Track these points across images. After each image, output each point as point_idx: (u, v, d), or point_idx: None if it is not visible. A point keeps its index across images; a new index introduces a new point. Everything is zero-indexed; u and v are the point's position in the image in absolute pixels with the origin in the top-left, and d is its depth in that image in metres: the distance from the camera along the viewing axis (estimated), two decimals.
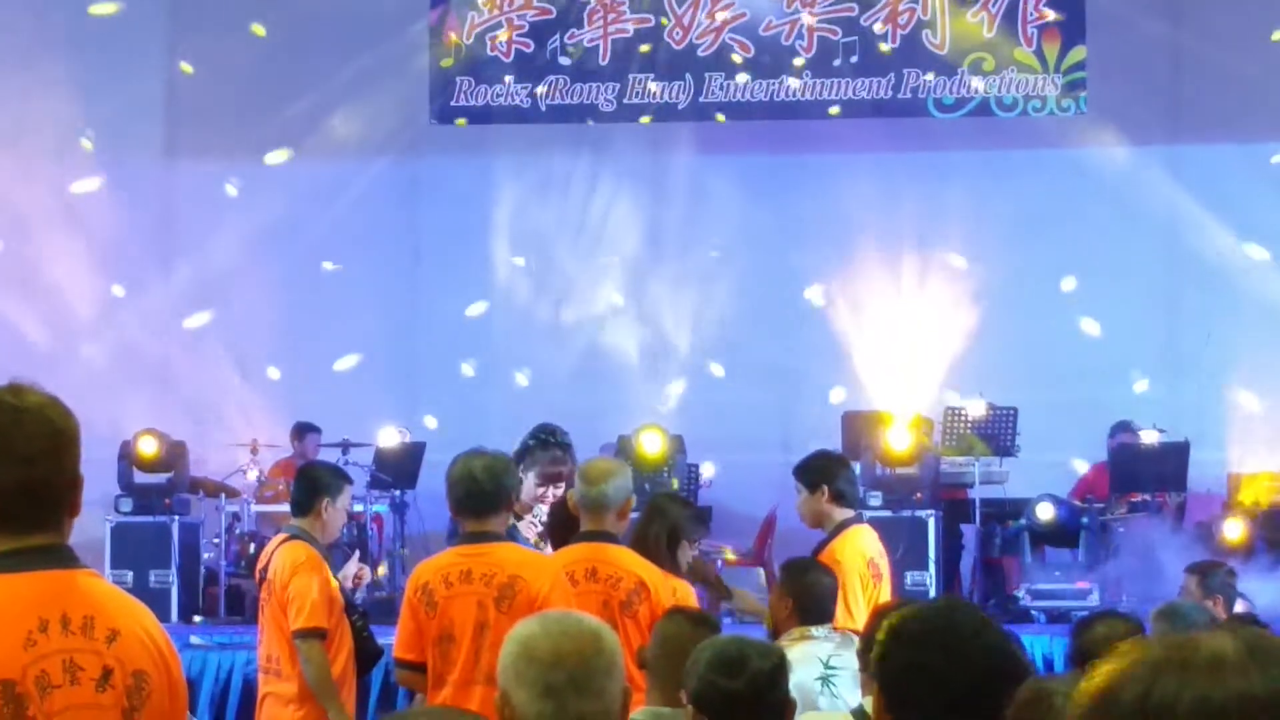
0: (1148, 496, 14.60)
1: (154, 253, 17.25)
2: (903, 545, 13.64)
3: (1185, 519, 14.49)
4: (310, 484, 8.48)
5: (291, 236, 17.06)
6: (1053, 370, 16.27)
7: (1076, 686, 3.07)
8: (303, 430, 15.65)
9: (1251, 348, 16.20)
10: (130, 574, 13.93)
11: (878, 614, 5.60)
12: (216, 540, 14.79)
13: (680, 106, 16.61)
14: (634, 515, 7.90)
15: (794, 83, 16.45)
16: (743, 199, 16.92)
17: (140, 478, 14.85)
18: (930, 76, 16.31)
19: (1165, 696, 1.76)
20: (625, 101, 16.66)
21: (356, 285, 17.20)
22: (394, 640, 7.17)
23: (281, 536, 8.47)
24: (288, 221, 16.97)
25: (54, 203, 16.88)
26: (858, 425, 15.20)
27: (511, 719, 3.77)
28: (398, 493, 15.17)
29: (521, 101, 16.73)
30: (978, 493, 14.86)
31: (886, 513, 13.86)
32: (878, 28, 16.38)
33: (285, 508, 9.24)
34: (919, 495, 14.10)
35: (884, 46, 16.29)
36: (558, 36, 16.69)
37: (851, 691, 6.79)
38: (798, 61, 16.38)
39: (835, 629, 7.37)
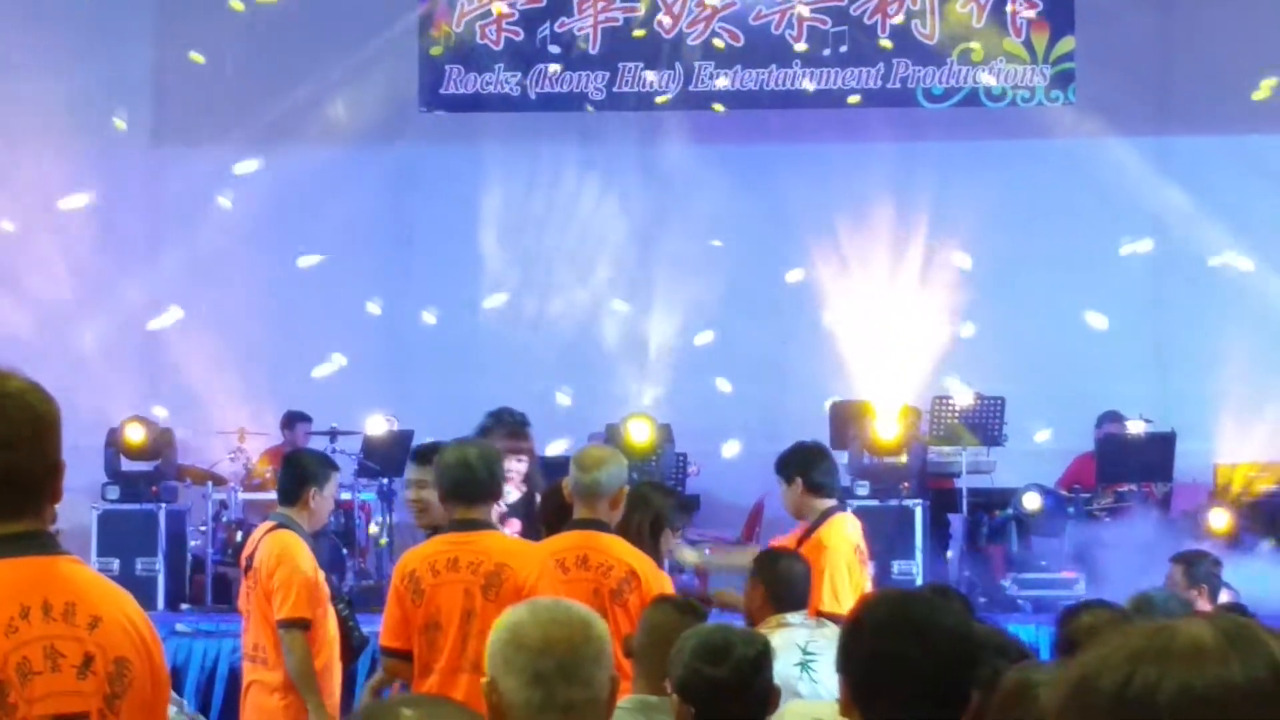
0: (1134, 486, 14.64)
1: (142, 240, 17.23)
2: (890, 535, 13.69)
3: (1171, 509, 14.53)
4: (297, 472, 8.48)
5: (280, 224, 17.04)
6: (1040, 361, 16.28)
7: (1058, 675, 3.09)
8: (293, 418, 15.65)
9: (1237, 338, 16.22)
10: (117, 561, 13.93)
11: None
12: (203, 528, 14.79)
13: (671, 96, 16.60)
14: None
15: (789, 77, 16.44)
16: (731, 188, 16.92)
17: (127, 465, 14.83)
18: (919, 68, 16.31)
19: (1145, 685, 1.76)
20: (615, 90, 16.65)
21: (345, 274, 17.18)
22: (380, 628, 7.18)
23: (268, 525, 8.46)
24: (276, 210, 16.94)
25: (40, 191, 16.85)
26: (845, 415, 15.21)
27: (499, 706, 3.77)
28: (385, 481, 15.15)
29: (511, 90, 16.72)
30: (965, 482, 14.88)
31: (874, 502, 13.88)
32: (868, 18, 16.39)
33: (273, 495, 9.22)
34: (906, 485, 14.11)
35: (884, 42, 16.28)
36: (548, 25, 16.68)
37: (830, 675, 6.79)
38: (800, 48, 16.36)
39: (811, 615, 7.39)
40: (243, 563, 8.56)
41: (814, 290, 16.88)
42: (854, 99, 16.44)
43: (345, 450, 15.09)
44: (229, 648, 12.03)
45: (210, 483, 15.04)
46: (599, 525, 7.24)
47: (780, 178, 16.84)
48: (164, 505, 14.51)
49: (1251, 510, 14.31)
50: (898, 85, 16.39)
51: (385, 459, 15.19)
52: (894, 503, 13.91)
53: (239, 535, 13.87)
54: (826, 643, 6.94)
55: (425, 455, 7.72)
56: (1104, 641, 1.82)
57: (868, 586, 8.53)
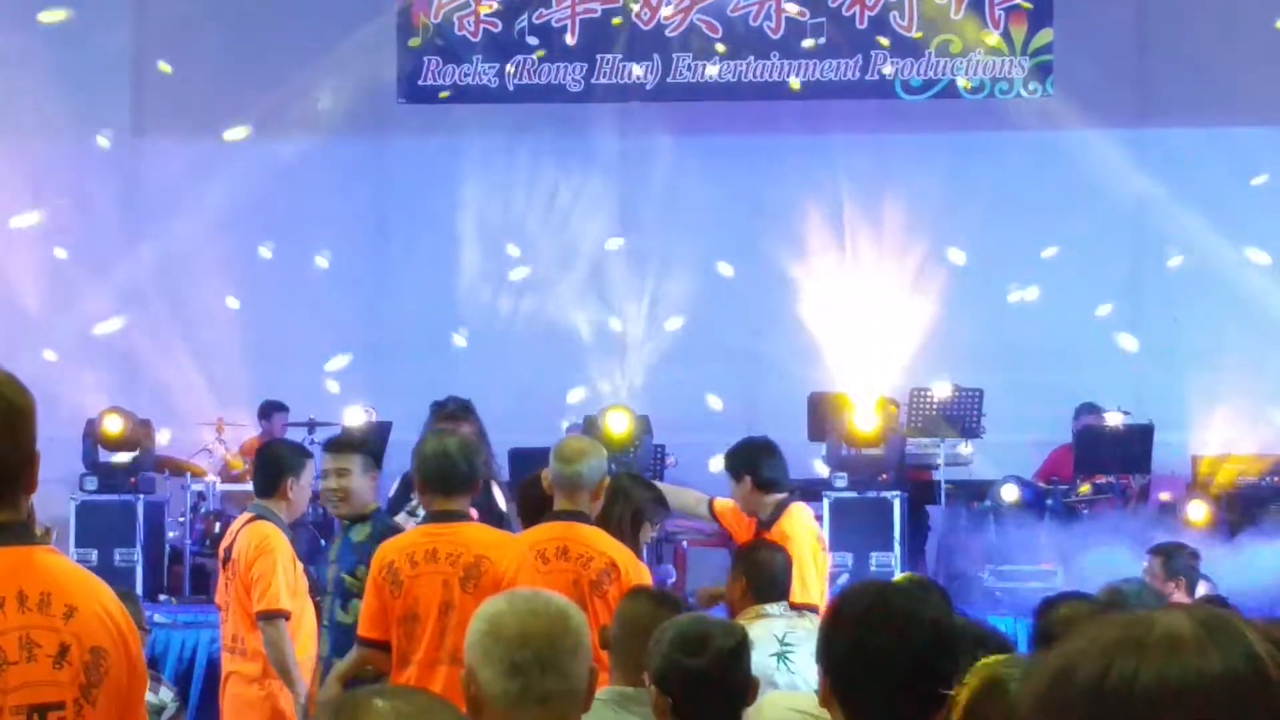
0: (1112, 478, 14.66)
1: (119, 230, 17.19)
2: (868, 526, 13.71)
3: (1149, 500, 14.56)
4: (273, 464, 8.49)
5: (258, 215, 17.02)
6: (1018, 352, 16.30)
7: (1030, 669, 3.09)
8: (269, 409, 15.62)
9: (1216, 330, 16.26)
10: (95, 552, 13.89)
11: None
12: (182, 519, 14.77)
13: (648, 87, 16.59)
14: None
15: (766, 69, 16.44)
16: (710, 180, 16.92)
17: (105, 456, 14.79)
18: (897, 59, 16.31)
19: (1122, 676, 1.76)
20: (594, 81, 16.64)
21: (324, 264, 17.16)
22: (358, 619, 7.17)
23: (246, 516, 8.45)
24: (254, 200, 16.92)
25: (17, 178, 16.82)
26: (823, 406, 15.21)
27: (477, 697, 3.77)
28: None
29: (489, 81, 16.70)
30: (943, 474, 14.89)
31: (852, 494, 13.89)
32: (846, 9, 16.40)
33: (251, 487, 9.24)
34: (884, 476, 14.11)
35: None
36: (526, 16, 16.66)
37: (808, 666, 6.81)
38: (778, 39, 16.37)
39: (791, 605, 7.41)
40: (221, 554, 8.55)
41: (792, 282, 16.88)
42: (832, 91, 16.44)
43: (323, 441, 15.05)
44: (207, 638, 12.02)
45: (188, 474, 15.02)
46: (579, 516, 7.23)
47: (759, 169, 16.85)
48: (142, 496, 14.48)
49: (1230, 502, 14.33)
50: (876, 77, 16.39)
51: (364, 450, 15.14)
52: (872, 494, 13.91)
53: (217, 526, 13.86)
54: (805, 634, 6.96)
55: (344, 444, 7.98)
56: (1081, 633, 1.82)
57: (829, 572, 8.59)
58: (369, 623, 7.03)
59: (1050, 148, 16.48)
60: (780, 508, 8.69)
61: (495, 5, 16.66)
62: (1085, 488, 14.69)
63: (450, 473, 7.04)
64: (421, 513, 8.33)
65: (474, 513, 8.19)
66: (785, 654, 7.01)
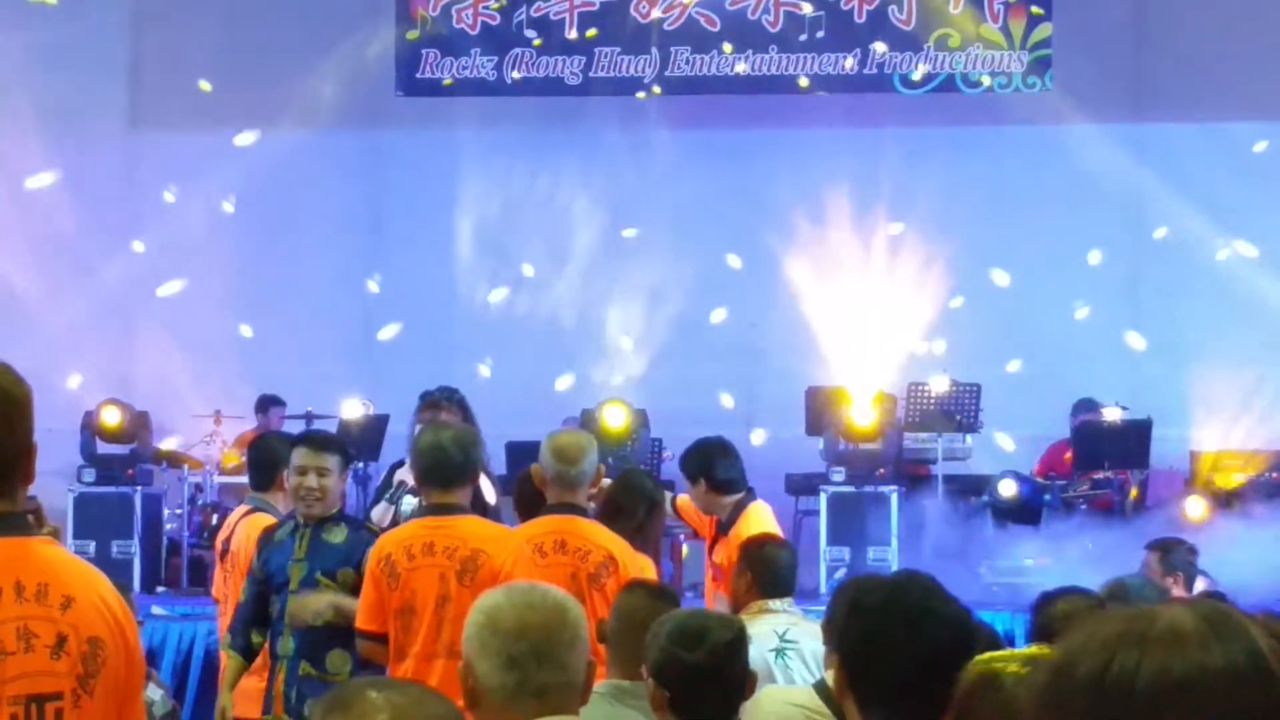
0: (1110, 474, 14.66)
1: (118, 223, 17.18)
2: (865, 521, 13.71)
3: (1147, 496, 14.55)
4: (266, 457, 8.52)
5: (255, 208, 17.01)
6: (1016, 347, 16.31)
7: (1025, 663, 3.09)
8: (266, 403, 15.62)
9: (1214, 325, 16.25)
10: (92, 544, 13.90)
11: (842, 588, 5.62)
12: (179, 511, 14.78)
13: (647, 80, 16.58)
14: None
15: (765, 62, 16.43)
16: (709, 172, 16.91)
17: (103, 448, 14.81)
18: (896, 53, 16.30)
19: (1124, 670, 1.76)
20: (592, 74, 16.62)
21: (321, 258, 17.16)
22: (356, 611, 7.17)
23: (244, 509, 8.46)
24: (251, 193, 16.91)
25: (10, 171, 16.80)
26: (821, 400, 15.22)
27: (474, 689, 3.77)
28: (360, 465, 15.13)
29: (488, 74, 16.69)
30: (940, 469, 14.90)
31: (849, 488, 13.89)
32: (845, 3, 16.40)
33: (247, 479, 9.24)
34: (882, 471, 14.13)
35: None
36: (524, 9, 16.65)
37: (804, 666, 6.82)
38: (776, 32, 16.36)
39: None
40: (219, 547, 8.54)
41: (790, 275, 16.87)
42: (831, 84, 16.44)
43: (299, 435, 15.05)
44: (205, 630, 12.02)
45: (186, 466, 15.02)
46: (576, 510, 7.26)
47: (757, 162, 16.84)
48: (140, 488, 14.49)
49: (1228, 498, 14.33)
50: (874, 71, 16.38)
51: (360, 443, 15.16)
52: (869, 489, 13.92)
53: (214, 518, 13.86)
54: (805, 633, 6.96)
55: (327, 442, 7.77)
56: (1083, 628, 1.82)
57: None
58: (367, 615, 7.03)
59: (1048, 142, 16.48)
60: (739, 508, 8.68)
61: None
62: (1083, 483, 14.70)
63: (445, 465, 7.02)
64: (409, 502, 8.34)
65: None
66: (784, 650, 7.01)
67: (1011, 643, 11.68)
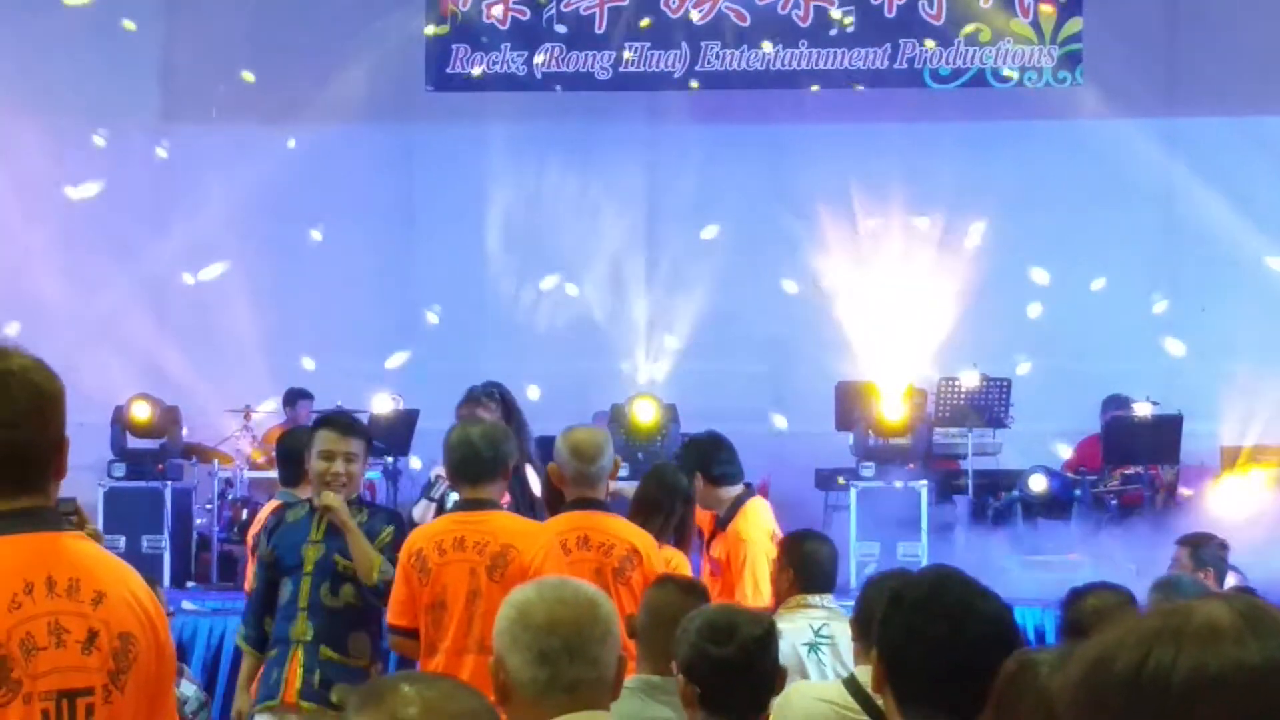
0: (1141, 469, 14.62)
1: (148, 218, 17.21)
2: (895, 516, 13.69)
3: (1177, 491, 14.52)
4: (295, 452, 8.50)
5: (286, 203, 17.04)
6: (1046, 342, 16.28)
7: (1062, 658, 3.08)
8: (295, 396, 15.64)
9: (1245, 320, 16.20)
10: (123, 539, 13.93)
11: (872, 583, 5.61)
12: (209, 506, 14.81)
13: (676, 75, 16.57)
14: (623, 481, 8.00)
15: (795, 57, 16.41)
16: (737, 168, 16.90)
17: (133, 443, 14.85)
18: (929, 44, 16.27)
19: (1160, 666, 1.75)
20: (621, 70, 16.62)
21: (350, 252, 17.18)
22: (387, 606, 7.18)
23: (274, 503, 8.47)
24: (282, 188, 16.94)
25: (47, 168, 16.84)
26: (851, 395, 15.21)
27: (506, 684, 3.77)
28: (390, 460, 15.16)
29: (517, 69, 16.70)
30: (970, 464, 14.88)
31: (879, 483, 13.89)
32: None
33: (277, 474, 9.24)
34: (912, 466, 14.12)
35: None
36: (554, 4, 16.65)
37: (837, 661, 6.83)
38: (806, 27, 16.35)
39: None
40: (250, 542, 8.55)
41: (820, 270, 16.85)
42: (861, 79, 16.43)
43: (320, 417, 15.08)
44: (235, 625, 12.03)
45: (216, 460, 15.05)
46: (597, 505, 7.26)
47: (786, 158, 16.82)
48: (170, 483, 14.53)
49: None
50: (905, 66, 16.35)
51: (390, 438, 15.19)
52: (899, 484, 13.91)
53: (244, 513, 13.89)
54: (842, 629, 6.96)
55: (353, 427, 7.65)
56: (1120, 622, 1.81)
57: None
58: (398, 610, 7.04)
59: (1079, 137, 16.44)
60: (737, 505, 8.66)
61: None
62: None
63: (474, 461, 7.03)
64: (454, 498, 8.32)
65: (506, 496, 8.21)
66: (818, 645, 7.01)
67: (1042, 638, 11.68)
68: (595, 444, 7.31)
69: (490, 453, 7.04)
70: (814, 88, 16.48)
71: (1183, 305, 16.66)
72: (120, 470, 14.56)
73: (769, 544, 8.41)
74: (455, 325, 17.06)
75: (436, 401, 14.76)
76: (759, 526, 8.53)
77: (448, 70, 16.77)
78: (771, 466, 13.76)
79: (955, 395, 15.08)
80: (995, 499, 14.72)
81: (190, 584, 14.21)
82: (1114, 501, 14.43)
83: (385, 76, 16.86)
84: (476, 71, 16.68)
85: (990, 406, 14.99)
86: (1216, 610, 1.78)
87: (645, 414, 14.47)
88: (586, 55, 16.63)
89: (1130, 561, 12.08)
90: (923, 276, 16.71)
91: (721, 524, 8.68)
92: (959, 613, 3.56)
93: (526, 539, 6.93)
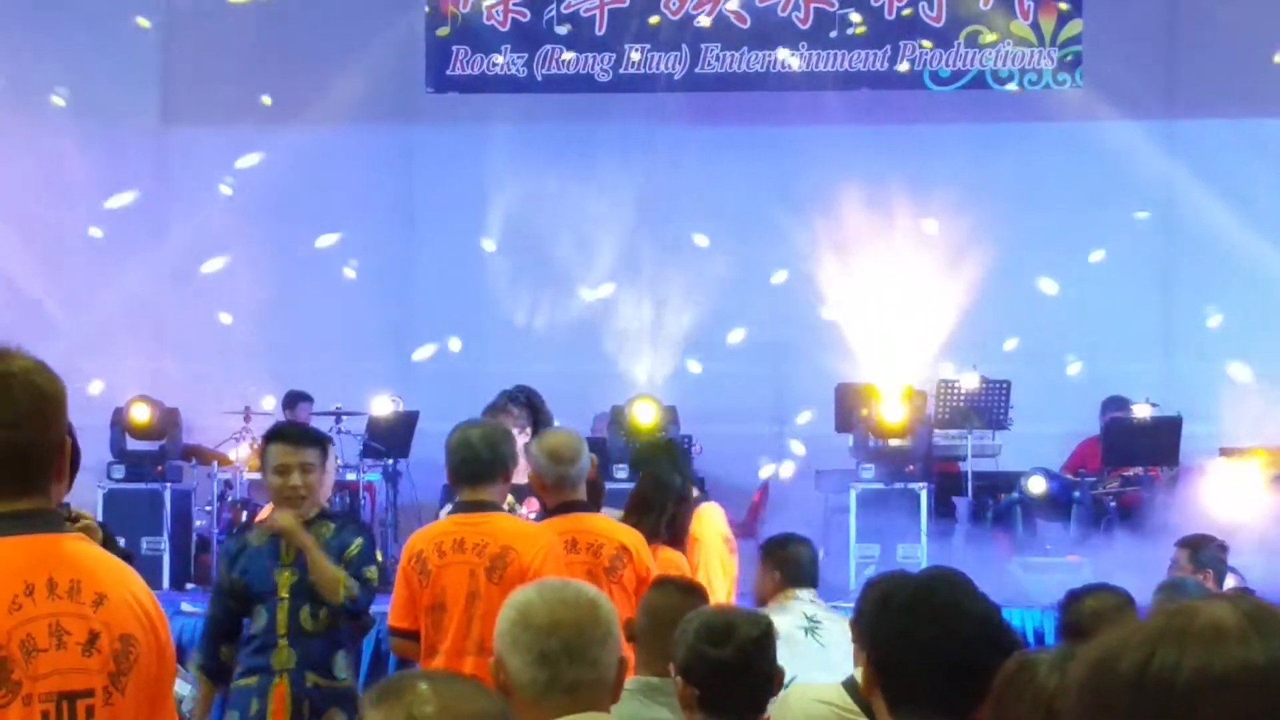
0: (1140, 470, 14.62)
1: (148, 219, 17.21)
2: (895, 517, 13.69)
3: (1177, 493, 14.50)
4: None
5: (287, 205, 17.03)
6: (1046, 344, 16.27)
7: (1061, 658, 3.08)
8: (294, 398, 15.63)
9: (1245, 321, 16.20)
10: (122, 541, 13.85)
11: (871, 585, 5.63)
12: (209, 507, 14.80)
13: (676, 77, 16.57)
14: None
15: (791, 58, 16.41)
16: (737, 170, 16.90)
17: (133, 445, 14.86)
18: (927, 45, 16.27)
19: (1164, 666, 1.75)
20: (621, 71, 16.62)
21: (351, 254, 17.18)
22: (388, 608, 7.17)
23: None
24: (283, 190, 16.93)
25: (48, 169, 16.84)
26: (850, 397, 15.21)
27: (505, 685, 3.77)
28: (390, 462, 15.16)
29: (518, 71, 16.70)
30: (970, 465, 14.88)
31: (879, 484, 13.89)
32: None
33: None
34: (911, 467, 14.12)
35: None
36: (554, 6, 16.65)
37: (838, 639, 6.90)
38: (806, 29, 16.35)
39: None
40: None
41: (820, 272, 16.85)
42: (861, 81, 16.43)
43: (350, 431, 15.11)
44: None
45: (216, 462, 15.05)
46: (580, 507, 7.35)
47: (786, 159, 16.82)
48: (169, 485, 14.54)
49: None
50: (905, 68, 16.36)
51: (390, 439, 15.20)
52: (899, 485, 13.92)
53: (244, 515, 13.89)
54: (828, 614, 7.12)
55: (305, 435, 7.42)
56: (1124, 623, 1.81)
57: (735, 574, 8.60)
58: (399, 612, 7.04)
59: (1079, 139, 16.45)
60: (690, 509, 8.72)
61: None
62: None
63: (473, 462, 7.03)
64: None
65: (535, 503, 8.21)
66: (814, 629, 7.12)
67: (1041, 641, 11.68)
68: (572, 446, 7.39)
69: (489, 454, 7.04)
70: (812, 73, 16.47)
71: (1183, 307, 16.66)
72: (120, 472, 14.57)
73: (722, 546, 8.54)
74: (454, 325, 17.05)
75: (435, 403, 14.81)
76: (712, 529, 8.59)
77: (448, 72, 16.77)
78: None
79: (955, 397, 15.08)
80: (995, 501, 14.72)
81: (189, 585, 14.21)
82: (1113, 503, 14.42)
83: (385, 78, 16.86)
84: (477, 76, 16.67)
85: (990, 408, 14.99)
86: (1221, 611, 1.78)
87: (645, 416, 14.48)
88: (587, 57, 16.63)
89: (1130, 563, 12.07)
90: (922, 278, 16.71)
91: None
92: (947, 613, 3.55)
93: (526, 540, 6.93)
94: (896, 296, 16.67)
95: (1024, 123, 16.61)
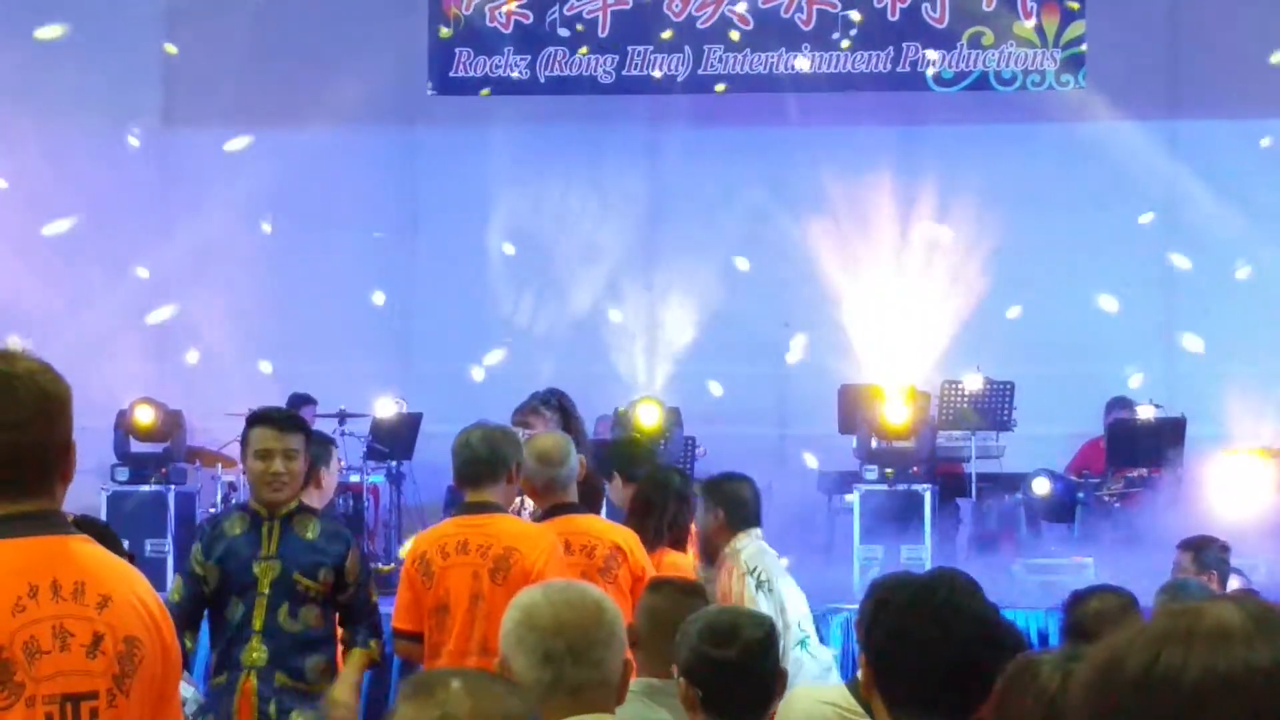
0: (1144, 472, 14.61)
1: (152, 220, 17.21)
2: (898, 519, 13.68)
3: (1181, 494, 14.49)
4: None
5: (289, 206, 17.04)
6: (1050, 345, 16.26)
7: (1064, 659, 3.08)
8: (298, 401, 15.60)
9: (1248, 322, 16.19)
10: (126, 543, 13.83)
11: (872, 585, 5.63)
12: (213, 509, 14.79)
13: (679, 79, 16.56)
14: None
15: (798, 61, 16.41)
16: (741, 172, 16.89)
17: (136, 447, 14.85)
18: (930, 51, 16.27)
19: (1170, 667, 1.75)
20: (624, 73, 16.62)
21: (353, 255, 17.18)
22: (392, 610, 7.18)
23: None
24: (285, 191, 16.94)
25: (52, 169, 16.85)
26: (854, 398, 15.20)
27: None
28: (394, 464, 15.15)
29: (520, 73, 16.70)
30: (974, 467, 14.86)
31: (882, 486, 13.87)
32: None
33: None
34: (915, 469, 14.10)
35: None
36: (557, 8, 16.65)
37: (782, 576, 7.31)
38: (808, 30, 16.35)
39: None
40: None
41: (823, 274, 16.85)
42: (864, 83, 16.43)
43: (354, 433, 15.11)
44: None
45: (219, 464, 15.04)
46: (571, 509, 7.40)
47: (789, 161, 16.81)
48: (173, 487, 14.53)
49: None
50: (907, 69, 16.35)
51: (394, 441, 15.19)
52: (903, 487, 13.90)
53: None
54: (771, 561, 7.53)
55: (291, 421, 7.18)
56: (1130, 624, 1.82)
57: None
58: (403, 614, 7.05)
59: (1082, 140, 16.43)
60: None
61: None
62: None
63: (474, 463, 7.04)
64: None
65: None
66: (761, 584, 7.28)
67: (1045, 641, 11.67)
68: (560, 448, 7.43)
69: (488, 455, 7.04)
70: (815, 74, 16.47)
71: (1185, 308, 16.66)
72: (123, 474, 14.56)
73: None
74: (458, 328, 17.05)
75: (439, 405, 14.82)
76: None
77: (451, 74, 16.77)
78: (775, 470, 13.77)
79: (959, 398, 15.07)
80: (999, 502, 14.71)
81: None
82: (1117, 504, 14.41)
83: (388, 79, 16.85)
84: (480, 78, 16.67)
85: (994, 409, 14.98)
86: (1226, 612, 1.78)
87: (649, 417, 14.47)
88: (589, 59, 16.63)
89: (1134, 564, 12.07)
90: (925, 278, 16.70)
91: None
92: (946, 614, 3.55)
93: (529, 542, 6.94)
94: (899, 297, 16.66)
95: (1027, 124, 16.59)
